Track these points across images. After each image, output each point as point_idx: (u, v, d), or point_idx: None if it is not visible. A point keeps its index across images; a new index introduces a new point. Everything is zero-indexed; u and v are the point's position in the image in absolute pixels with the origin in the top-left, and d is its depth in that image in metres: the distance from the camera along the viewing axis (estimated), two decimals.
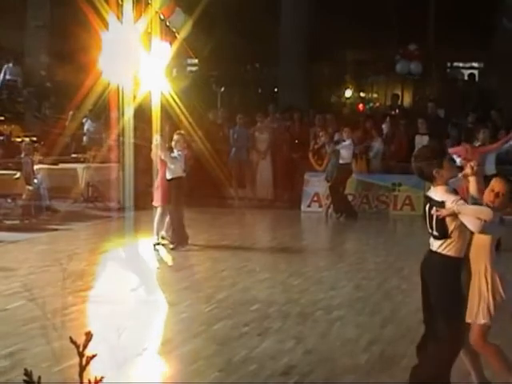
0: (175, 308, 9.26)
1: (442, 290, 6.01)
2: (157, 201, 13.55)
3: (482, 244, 5.93)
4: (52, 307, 9.09)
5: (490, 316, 5.95)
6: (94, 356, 2.73)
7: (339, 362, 7.20)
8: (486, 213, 5.77)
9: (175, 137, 13.46)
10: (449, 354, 6.06)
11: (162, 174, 13.48)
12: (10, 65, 23.96)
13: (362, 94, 28.27)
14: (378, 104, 27.99)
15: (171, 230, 13.45)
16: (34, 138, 19.68)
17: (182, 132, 14.14)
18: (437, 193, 6.03)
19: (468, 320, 6.02)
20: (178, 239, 13.31)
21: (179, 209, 13.33)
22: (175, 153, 13.26)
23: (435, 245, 6.04)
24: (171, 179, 13.22)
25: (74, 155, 19.58)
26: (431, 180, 6.07)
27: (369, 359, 7.28)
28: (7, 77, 23.92)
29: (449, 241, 5.95)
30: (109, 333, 8.03)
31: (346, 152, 17.86)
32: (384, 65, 26.02)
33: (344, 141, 17.98)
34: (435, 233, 6.01)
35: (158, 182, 13.68)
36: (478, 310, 5.97)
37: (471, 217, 5.80)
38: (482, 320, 5.96)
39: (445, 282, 5.98)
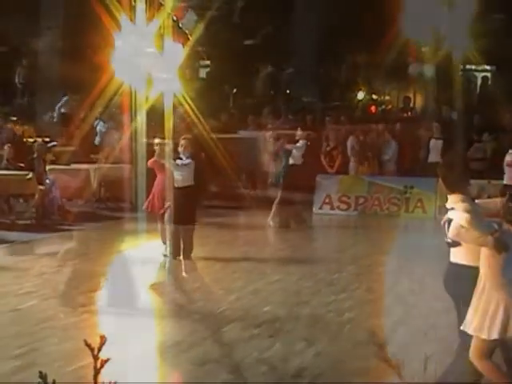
0: (186, 309, 9.27)
1: (460, 301, 6.00)
2: (158, 209, 12.86)
3: (490, 253, 5.84)
4: (64, 307, 9.15)
5: (495, 332, 5.80)
6: (107, 360, 2.77)
7: (350, 365, 7.20)
8: (481, 241, 5.77)
9: (182, 141, 12.68)
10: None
11: (159, 181, 12.98)
12: (66, 98, 23.61)
13: (374, 96, 28.24)
14: (390, 106, 27.96)
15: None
16: (47, 139, 19.74)
17: (189, 136, 13.67)
18: (452, 200, 6.04)
19: (470, 331, 5.91)
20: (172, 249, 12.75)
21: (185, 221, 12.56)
22: (183, 159, 12.54)
23: (451, 254, 6.04)
24: (179, 188, 12.46)
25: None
26: (453, 187, 6.07)
27: (379, 362, 7.26)
28: (62, 110, 23.62)
29: (460, 248, 5.94)
30: (120, 334, 8.08)
31: (297, 153, 17.49)
32: (396, 67, 25.97)
33: (297, 141, 17.68)
34: (448, 240, 6.00)
35: (154, 189, 13.09)
36: (481, 324, 5.86)
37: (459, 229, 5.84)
38: (484, 336, 5.87)
39: (462, 293, 5.95)
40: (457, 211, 5.91)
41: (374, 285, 10.88)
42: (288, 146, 17.40)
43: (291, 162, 17.29)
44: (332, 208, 18.85)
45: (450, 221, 5.97)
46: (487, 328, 5.80)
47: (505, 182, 16.10)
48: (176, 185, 12.53)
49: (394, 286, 10.85)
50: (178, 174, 12.43)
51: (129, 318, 8.86)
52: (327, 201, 18.94)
